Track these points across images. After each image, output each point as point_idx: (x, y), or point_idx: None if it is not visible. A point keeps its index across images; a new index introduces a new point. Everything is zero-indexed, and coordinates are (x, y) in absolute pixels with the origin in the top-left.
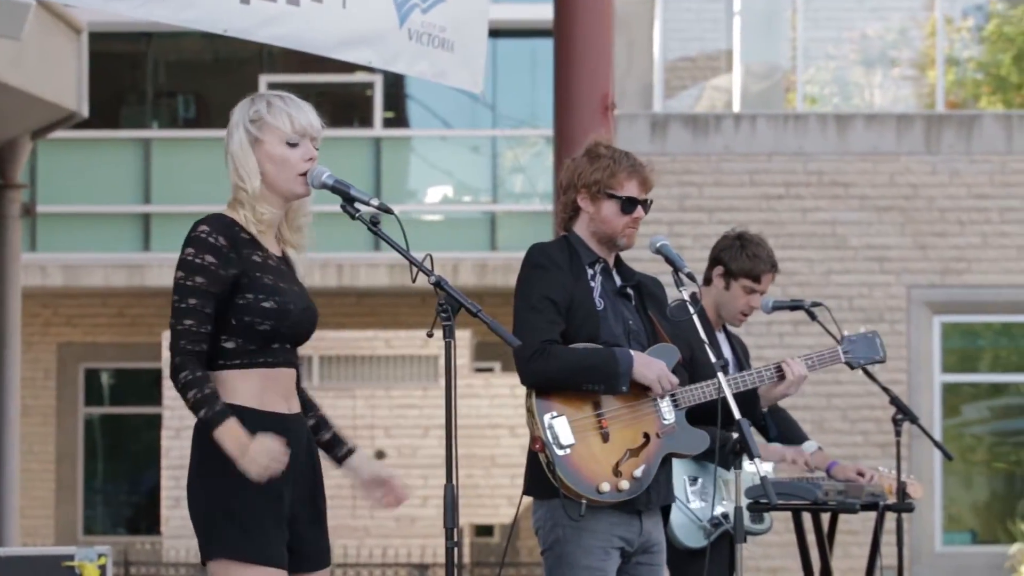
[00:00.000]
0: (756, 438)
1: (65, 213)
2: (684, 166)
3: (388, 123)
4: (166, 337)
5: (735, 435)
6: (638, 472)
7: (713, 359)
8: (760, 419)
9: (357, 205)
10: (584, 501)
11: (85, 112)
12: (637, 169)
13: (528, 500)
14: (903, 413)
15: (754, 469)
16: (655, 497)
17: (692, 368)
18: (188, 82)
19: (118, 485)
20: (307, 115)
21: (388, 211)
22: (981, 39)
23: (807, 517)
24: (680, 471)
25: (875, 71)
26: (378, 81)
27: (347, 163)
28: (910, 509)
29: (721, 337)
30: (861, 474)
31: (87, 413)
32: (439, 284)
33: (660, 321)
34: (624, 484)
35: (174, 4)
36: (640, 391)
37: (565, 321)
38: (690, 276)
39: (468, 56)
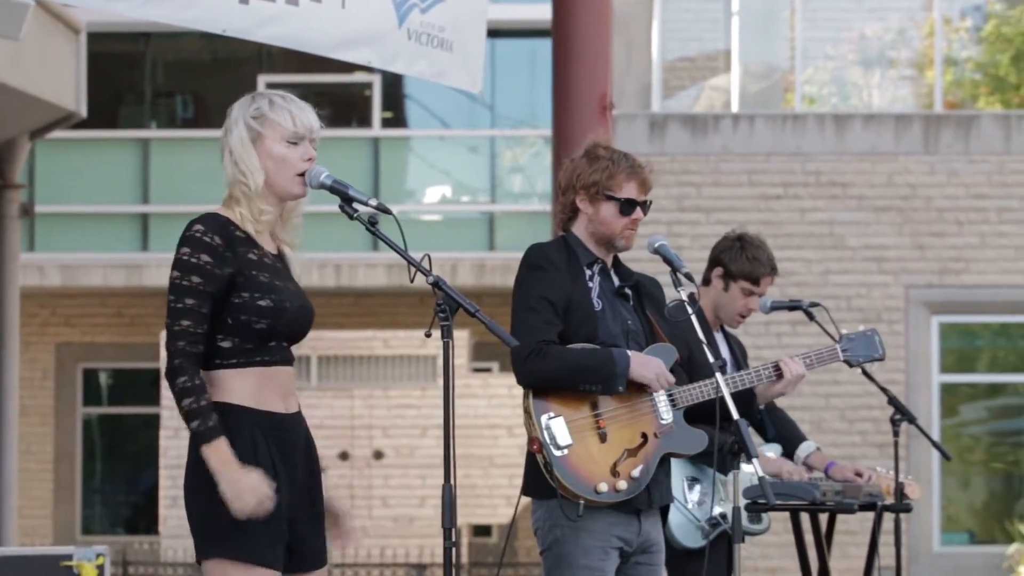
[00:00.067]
0: (755, 440)
1: (63, 213)
2: (682, 166)
3: (387, 123)
4: (164, 337)
5: (733, 437)
6: (636, 472)
7: (711, 359)
8: (757, 417)
9: (355, 205)
10: (582, 502)
11: (83, 112)
12: (636, 170)
13: (526, 500)
14: (901, 413)
15: (752, 470)
16: (656, 497)
17: (690, 368)
18: (187, 82)
19: (116, 485)
20: (308, 115)
21: (386, 211)
22: (979, 39)
23: (805, 517)
24: (678, 471)
25: (873, 71)
26: (376, 81)
27: (345, 163)
28: (908, 509)
29: (719, 337)
30: (859, 474)
31: (85, 413)
32: (437, 284)
33: (658, 321)
34: (622, 484)
35: (173, 4)
36: (637, 391)
37: (563, 322)
38: (688, 276)
39: (467, 56)
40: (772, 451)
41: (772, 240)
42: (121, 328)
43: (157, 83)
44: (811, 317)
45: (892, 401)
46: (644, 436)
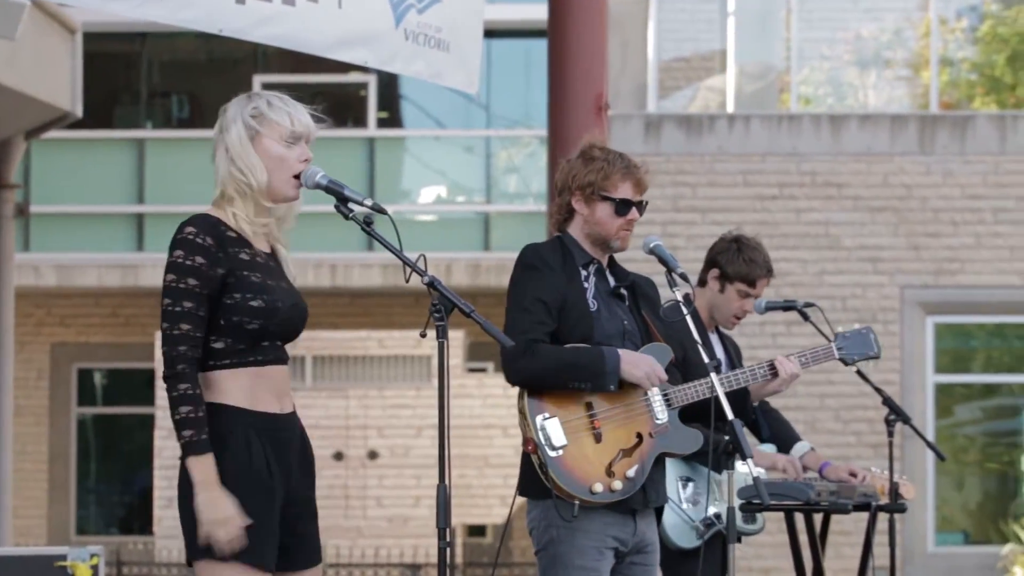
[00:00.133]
0: (749, 440)
1: (59, 213)
2: (678, 166)
3: (382, 123)
4: (159, 337)
5: (727, 437)
6: (631, 472)
7: (706, 359)
8: (751, 415)
9: (351, 205)
10: (577, 502)
11: (79, 112)
12: (631, 171)
13: (521, 500)
14: (896, 414)
15: (747, 470)
16: (651, 496)
17: (685, 369)
18: (182, 82)
19: (111, 485)
20: (306, 116)
21: (382, 211)
22: (975, 40)
23: (799, 517)
24: (672, 471)
25: (869, 72)
26: (372, 81)
27: (341, 163)
28: (902, 510)
29: (714, 338)
30: (853, 474)
31: (80, 413)
32: (432, 284)
33: (654, 322)
34: (617, 484)
35: (171, 4)
36: (632, 390)
37: (557, 322)
38: (683, 276)
39: (464, 56)
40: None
41: (767, 240)
42: (116, 328)
43: (153, 83)
44: (806, 317)
45: (887, 401)
46: (639, 436)
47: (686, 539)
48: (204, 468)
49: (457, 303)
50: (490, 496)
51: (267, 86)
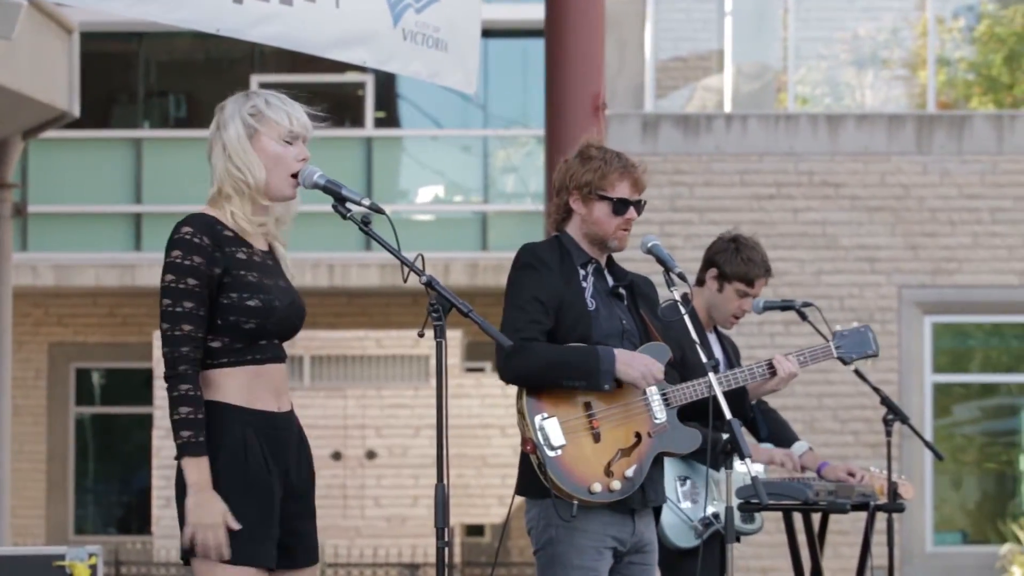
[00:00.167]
0: (747, 438)
1: (56, 213)
2: (675, 166)
3: (379, 123)
4: (157, 337)
5: (725, 435)
6: (630, 472)
7: (704, 359)
8: (749, 414)
9: (348, 205)
10: (576, 502)
11: (76, 112)
12: (629, 170)
13: (520, 499)
14: (894, 413)
15: (745, 469)
16: (650, 496)
17: (683, 368)
18: (179, 82)
19: (109, 485)
20: (304, 115)
21: (379, 211)
22: (972, 39)
23: (798, 517)
24: (670, 471)
25: (866, 71)
26: (369, 81)
27: (338, 163)
28: (901, 509)
29: (712, 338)
30: (852, 474)
31: (78, 413)
32: (430, 284)
33: (652, 321)
34: (616, 484)
35: (168, 3)
36: (631, 390)
37: (554, 321)
38: (681, 276)
39: (462, 56)
40: None
41: (765, 240)
42: (114, 328)
43: (150, 83)
44: (804, 317)
45: (885, 401)
46: (638, 435)
47: (684, 539)
48: (198, 470)
49: (455, 303)
50: (488, 496)
51: (264, 86)
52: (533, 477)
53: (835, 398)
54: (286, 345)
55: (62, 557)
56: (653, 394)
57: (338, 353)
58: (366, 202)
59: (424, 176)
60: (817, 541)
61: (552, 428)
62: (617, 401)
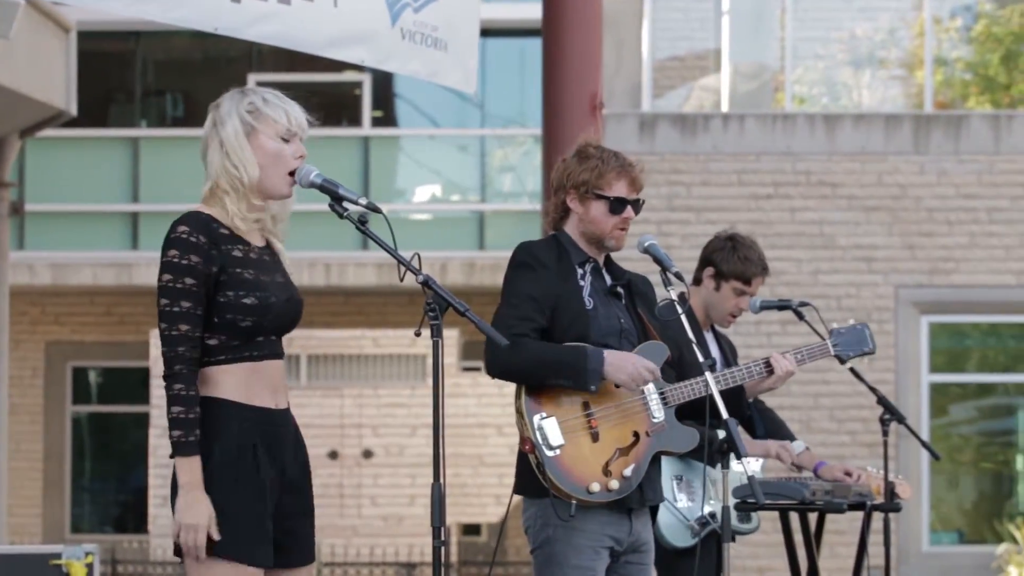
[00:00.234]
0: (742, 435)
1: (53, 212)
2: (672, 165)
3: (376, 122)
4: (154, 335)
5: (721, 433)
6: (628, 471)
7: (701, 358)
8: (747, 413)
9: (345, 204)
10: (574, 501)
11: (74, 111)
12: (626, 169)
13: (517, 499)
14: (890, 413)
15: (742, 469)
16: (648, 495)
17: (680, 368)
18: (177, 81)
19: (106, 483)
20: (300, 113)
21: (376, 210)
22: (969, 39)
23: (794, 517)
24: (667, 470)
25: (863, 71)
26: (366, 80)
27: (335, 162)
28: (897, 509)
29: (709, 337)
30: (848, 474)
31: (75, 411)
32: (427, 283)
33: (650, 320)
34: (614, 484)
35: (166, 2)
36: (629, 389)
37: (549, 320)
38: (678, 276)
39: (461, 55)
40: None
41: (762, 240)
42: (111, 326)
43: (147, 82)
44: (801, 317)
45: (881, 401)
46: (636, 435)
47: (681, 538)
48: (189, 469)
49: (452, 302)
50: (485, 495)
51: (262, 84)
52: (531, 476)
53: (832, 398)
54: (283, 344)
55: (58, 556)
56: (651, 393)
57: (335, 352)
58: (363, 201)
59: (421, 175)
60: (814, 541)
61: (551, 428)
62: (615, 400)
